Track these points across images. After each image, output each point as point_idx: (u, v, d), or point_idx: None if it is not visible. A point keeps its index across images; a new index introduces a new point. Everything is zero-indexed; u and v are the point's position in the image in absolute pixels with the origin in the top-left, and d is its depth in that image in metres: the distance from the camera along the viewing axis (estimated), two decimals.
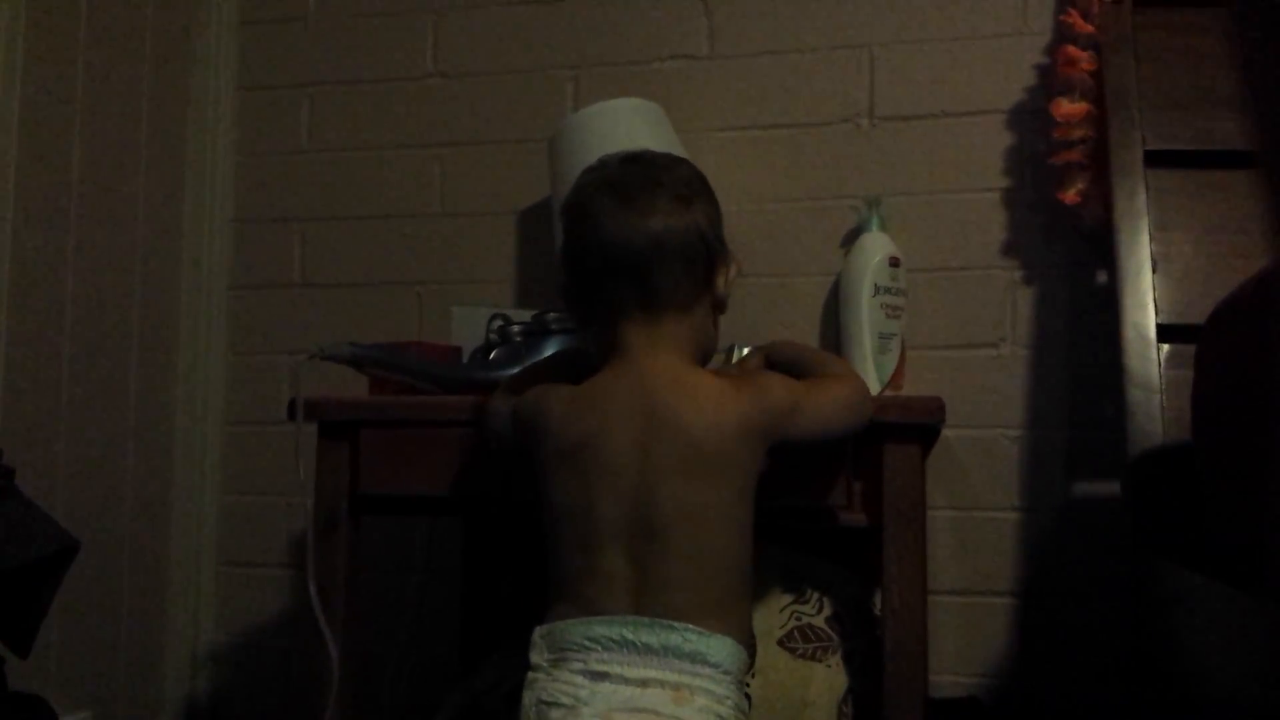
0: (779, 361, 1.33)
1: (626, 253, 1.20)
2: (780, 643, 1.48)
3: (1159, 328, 1.44)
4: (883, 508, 1.36)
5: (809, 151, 1.90)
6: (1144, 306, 1.45)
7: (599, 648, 1.12)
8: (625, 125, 1.75)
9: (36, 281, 1.76)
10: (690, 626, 1.11)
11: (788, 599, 1.50)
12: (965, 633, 1.78)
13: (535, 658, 1.15)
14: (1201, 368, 1.21)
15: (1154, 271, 1.47)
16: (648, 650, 1.11)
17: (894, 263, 1.73)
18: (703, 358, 1.27)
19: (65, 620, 1.76)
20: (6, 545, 1.27)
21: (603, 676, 1.10)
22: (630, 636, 1.11)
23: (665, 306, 1.21)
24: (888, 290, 1.72)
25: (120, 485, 1.93)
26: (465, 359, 1.70)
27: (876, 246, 1.73)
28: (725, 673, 1.13)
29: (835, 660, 1.47)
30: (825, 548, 1.59)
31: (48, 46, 1.78)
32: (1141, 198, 1.52)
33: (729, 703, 1.12)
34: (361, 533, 1.57)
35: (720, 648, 1.13)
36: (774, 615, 1.49)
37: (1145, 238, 1.49)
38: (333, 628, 1.43)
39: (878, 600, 1.42)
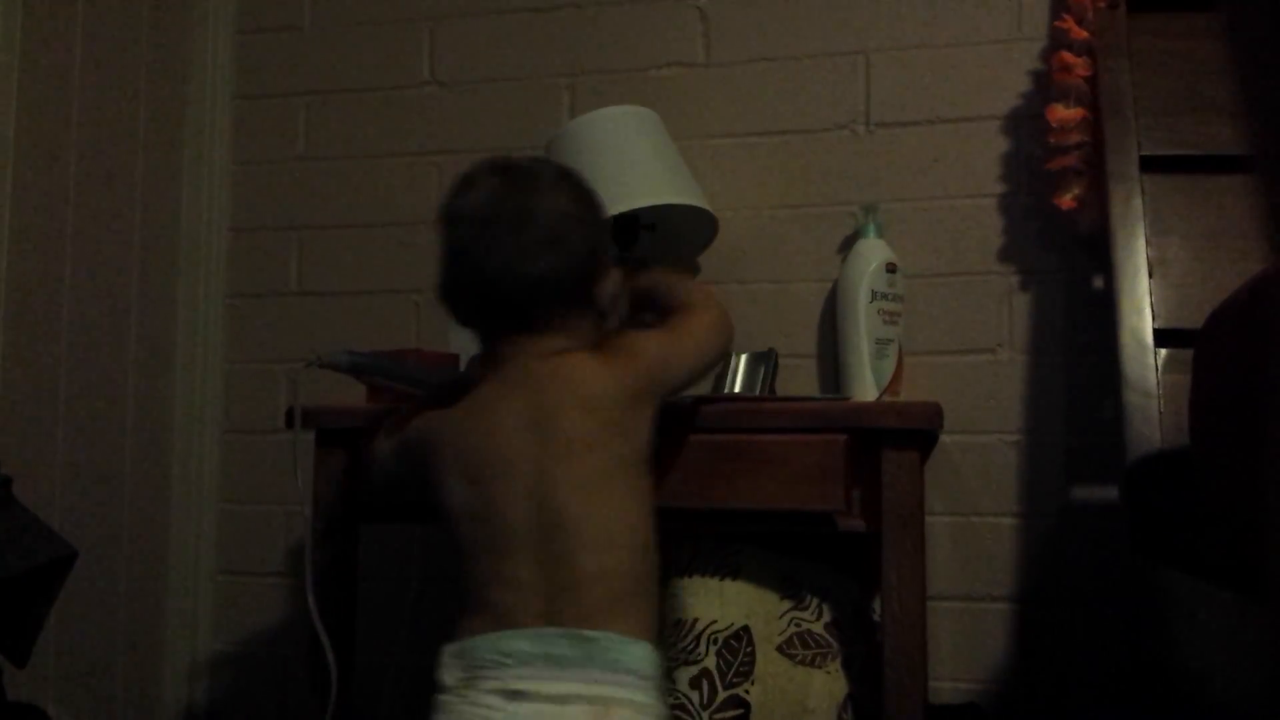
0: (641, 296, 1.36)
1: (502, 295, 1.22)
2: (779, 649, 1.48)
3: (1156, 332, 1.44)
4: (881, 513, 1.36)
5: (805, 158, 1.90)
6: (1141, 311, 1.45)
7: (514, 663, 1.09)
8: (621, 133, 1.75)
9: (34, 289, 1.76)
10: (607, 633, 1.10)
11: (787, 605, 1.50)
12: (964, 638, 1.78)
13: (446, 678, 1.13)
14: (1199, 372, 1.21)
15: (1150, 276, 1.47)
16: (565, 663, 1.09)
17: (891, 268, 1.73)
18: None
19: (63, 629, 1.75)
20: (4, 554, 1.27)
21: (520, 696, 1.08)
22: (546, 649, 1.09)
23: (544, 329, 1.23)
24: (885, 296, 1.72)
25: (118, 494, 1.93)
26: (463, 367, 1.70)
27: (873, 252, 1.74)
28: (644, 678, 1.11)
29: (834, 666, 1.47)
30: (824, 553, 1.59)
31: (43, 55, 1.78)
32: (1137, 202, 1.52)
33: (651, 711, 1.11)
34: (359, 541, 1.57)
35: (638, 653, 1.11)
36: (773, 621, 1.49)
37: (1141, 242, 1.49)
38: (330, 636, 1.43)
39: (877, 606, 1.42)
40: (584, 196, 1.28)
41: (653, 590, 1.18)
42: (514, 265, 1.20)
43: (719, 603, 1.49)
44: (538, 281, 1.21)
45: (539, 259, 1.21)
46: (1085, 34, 1.68)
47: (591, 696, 1.08)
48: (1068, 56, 1.69)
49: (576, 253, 1.23)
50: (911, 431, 1.40)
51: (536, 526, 1.14)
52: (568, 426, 1.17)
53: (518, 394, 1.20)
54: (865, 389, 1.69)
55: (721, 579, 1.50)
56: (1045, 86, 1.77)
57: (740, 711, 1.45)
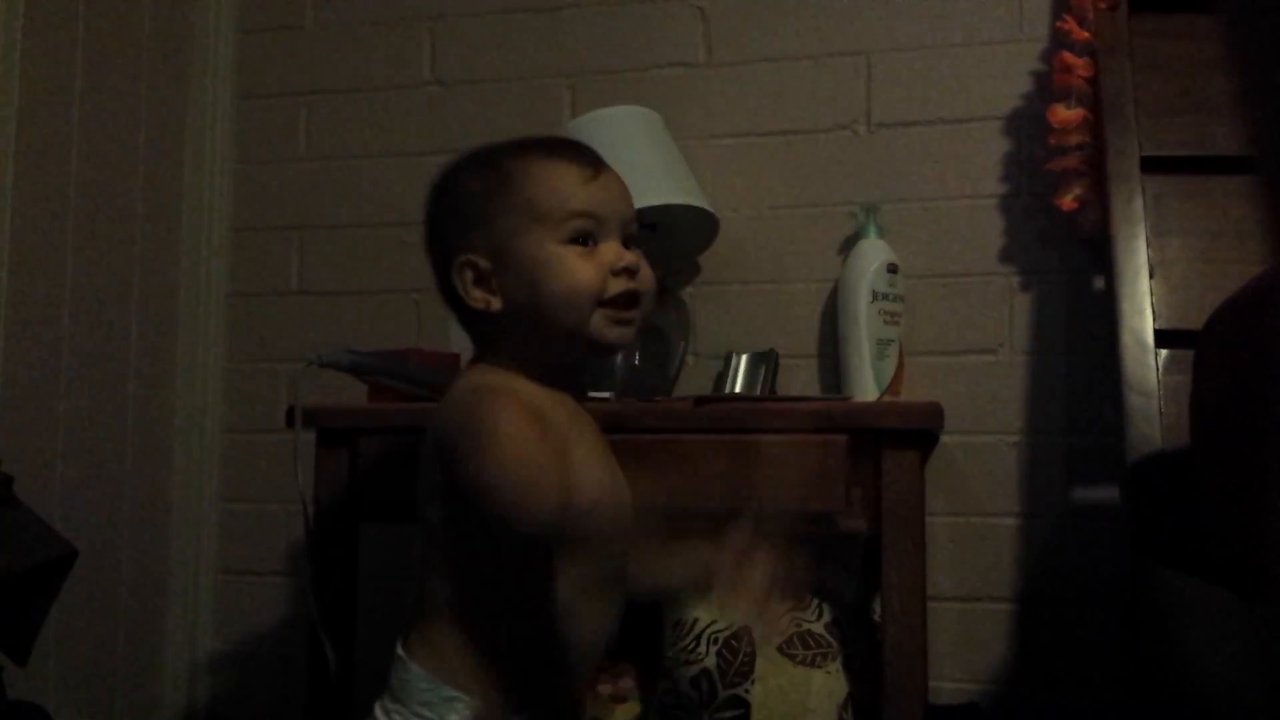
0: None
1: None
2: (780, 649, 1.48)
3: (1156, 333, 1.44)
4: (882, 513, 1.36)
5: (806, 158, 1.90)
6: (1141, 312, 1.45)
7: None
8: (622, 133, 1.75)
9: (34, 289, 1.76)
10: (400, 651, 1.12)
11: (787, 605, 1.50)
12: (965, 638, 1.78)
13: None
14: (1199, 373, 1.21)
15: (1151, 277, 1.47)
16: None
17: (892, 269, 1.73)
18: (535, 364, 1.14)
19: (64, 628, 1.75)
20: (5, 553, 1.27)
21: None
22: None
23: (465, 327, 1.20)
24: (886, 296, 1.72)
25: (119, 493, 1.93)
26: (463, 364, 1.70)
27: (874, 253, 1.74)
28: (395, 700, 1.10)
29: (835, 666, 1.48)
30: (825, 553, 1.60)
31: (45, 55, 1.78)
32: (1138, 203, 1.52)
33: None
34: (359, 540, 1.57)
35: (400, 671, 1.11)
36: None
37: (1142, 243, 1.49)
38: (331, 635, 1.43)
39: (877, 606, 1.42)
40: (437, 187, 1.22)
41: (446, 645, 1.11)
42: None
43: (719, 602, 1.49)
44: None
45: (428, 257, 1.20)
46: (1086, 35, 1.68)
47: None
48: (1069, 57, 1.69)
49: (435, 250, 1.19)
50: (912, 432, 1.40)
51: None
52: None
53: None
54: (866, 389, 1.69)
55: None
56: (1046, 87, 1.77)
57: (740, 711, 1.45)
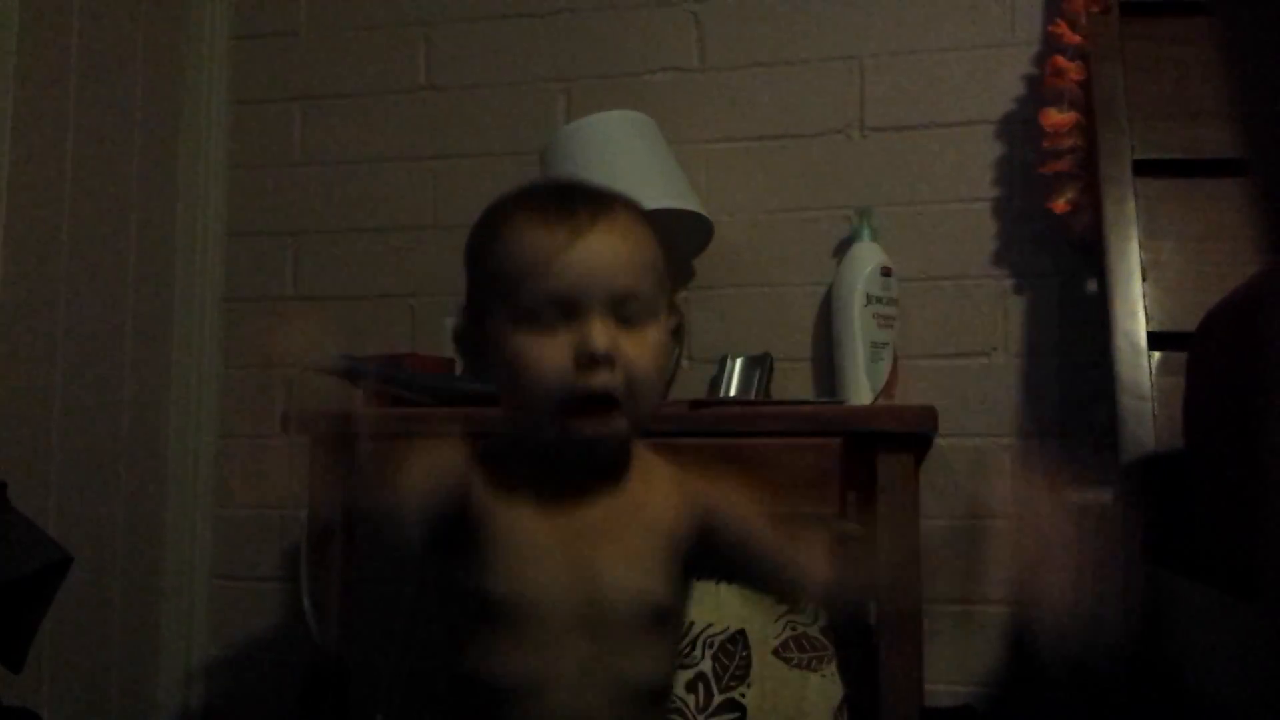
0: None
1: None
2: (776, 652, 1.48)
3: (1150, 335, 1.44)
4: (876, 516, 1.36)
5: (800, 162, 1.91)
6: (1135, 314, 1.45)
7: None
8: (617, 137, 1.75)
9: (29, 294, 1.76)
10: None
11: (783, 608, 1.50)
12: (960, 641, 1.78)
13: None
14: (1193, 375, 1.21)
15: (1144, 279, 1.48)
16: None
17: (886, 272, 1.74)
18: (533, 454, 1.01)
19: (58, 634, 1.75)
20: None
21: None
22: None
23: None
24: (879, 300, 1.72)
25: (114, 498, 1.93)
26: (459, 372, 1.70)
27: (868, 256, 1.74)
28: None
29: (830, 669, 1.48)
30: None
31: (40, 60, 1.78)
32: (1131, 206, 1.52)
33: None
34: (354, 545, 1.57)
35: None
36: (769, 625, 1.49)
37: (1135, 246, 1.50)
38: (326, 640, 1.43)
39: (872, 609, 1.43)
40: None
41: None
42: None
43: (715, 606, 1.49)
44: None
45: None
46: (1078, 39, 1.69)
47: None
48: (1061, 61, 1.70)
49: None
50: (906, 434, 1.40)
51: None
52: None
53: None
54: (860, 392, 1.70)
55: (717, 582, 1.50)
56: (1039, 91, 1.78)
57: (736, 715, 1.46)
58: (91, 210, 1.89)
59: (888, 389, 1.71)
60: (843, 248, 1.82)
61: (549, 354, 0.91)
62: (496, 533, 0.95)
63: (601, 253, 0.93)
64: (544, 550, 0.95)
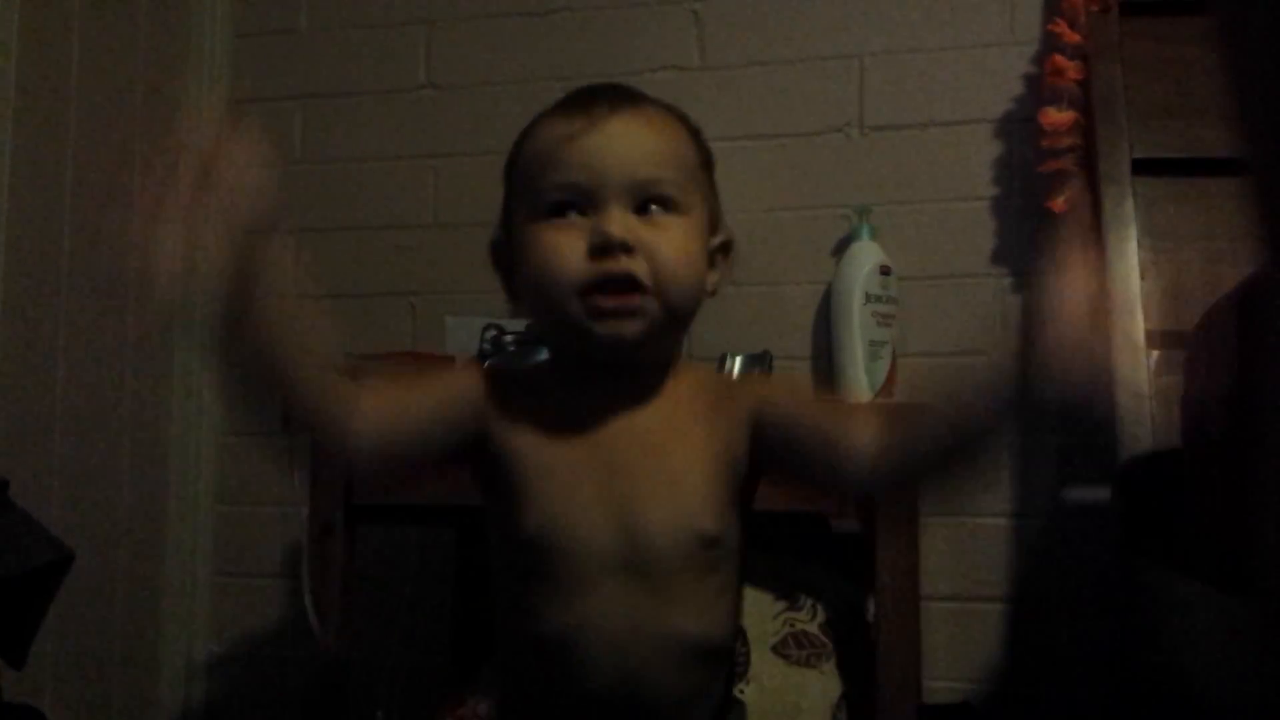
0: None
1: None
2: (774, 649, 1.48)
3: (1148, 334, 1.45)
4: (875, 514, 1.37)
5: (799, 161, 1.91)
6: (1133, 313, 1.46)
7: None
8: None
9: (31, 292, 1.76)
10: None
11: (781, 605, 1.51)
12: (958, 638, 1.79)
13: None
14: (1191, 373, 1.22)
15: (1142, 278, 1.48)
16: None
17: (885, 271, 1.74)
18: (564, 359, 0.99)
19: (60, 631, 1.75)
20: (1, 556, 1.28)
21: None
22: None
23: None
24: (879, 299, 1.73)
25: (115, 496, 1.93)
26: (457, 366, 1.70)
27: (867, 255, 1.75)
28: None
29: (829, 667, 1.48)
30: (818, 554, 1.60)
31: (41, 59, 1.78)
32: (1129, 205, 1.53)
33: None
34: (355, 542, 1.57)
35: None
36: (768, 622, 1.50)
37: (1133, 245, 1.50)
38: (327, 637, 1.44)
39: (871, 606, 1.43)
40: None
41: None
42: None
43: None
44: None
45: None
46: (1078, 38, 1.69)
47: None
48: (1060, 60, 1.70)
49: None
50: None
51: None
52: None
53: None
54: (859, 391, 1.70)
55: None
56: (1038, 90, 1.78)
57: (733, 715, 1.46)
58: (93, 209, 1.89)
59: (886, 387, 1.72)
60: (842, 246, 1.83)
61: (565, 243, 0.89)
62: (520, 466, 0.90)
63: (619, 140, 0.91)
64: (573, 482, 0.89)
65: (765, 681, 1.46)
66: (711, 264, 0.97)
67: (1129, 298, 1.47)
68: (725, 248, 0.99)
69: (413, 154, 2.06)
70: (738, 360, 1.77)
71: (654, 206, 0.90)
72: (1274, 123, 0.61)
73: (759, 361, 1.76)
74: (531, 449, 0.90)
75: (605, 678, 0.87)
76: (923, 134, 1.87)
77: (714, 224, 0.97)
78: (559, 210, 0.90)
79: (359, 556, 1.59)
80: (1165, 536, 1.30)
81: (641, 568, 0.87)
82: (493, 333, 1.66)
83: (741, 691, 1.45)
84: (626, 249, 0.87)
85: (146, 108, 2.02)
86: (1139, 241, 1.50)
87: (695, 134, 0.97)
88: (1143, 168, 1.56)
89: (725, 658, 0.95)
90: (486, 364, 0.94)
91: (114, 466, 1.93)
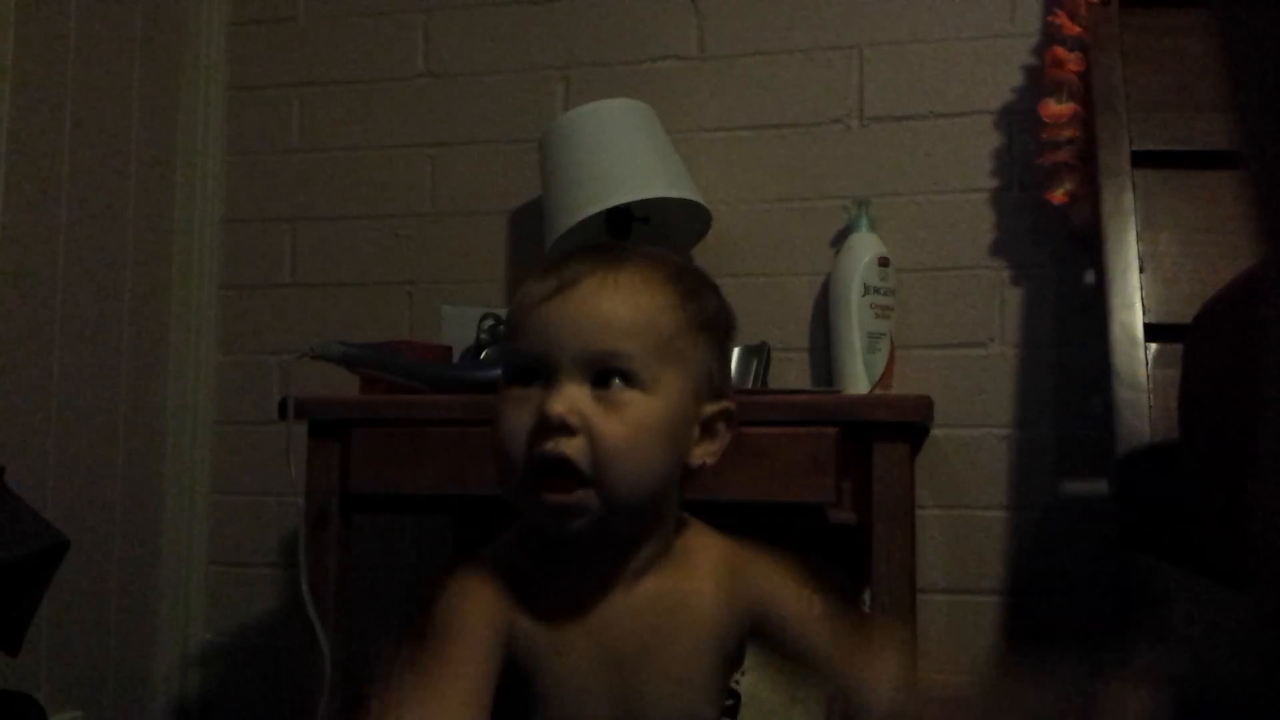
0: None
1: None
2: None
3: (1146, 327, 1.44)
4: (871, 505, 1.37)
5: (799, 152, 1.91)
6: (1131, 306, 1.45)
7: None
8: (616, 125, 1.75)
9: (27, 279, 1.76)
10: None
11: None
12: (954, 630, 1.79)
13: None
14: (1189, 366, 1.22)
15: (1141, 271, 1.48)
16: None
17: (883, 263, 1.74)
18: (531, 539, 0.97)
19: (55, 619, 1.75)
20: None
21: None
22: None
23: None
24: (877, 290, 1.73)
25: (111, 484, 1.93)
26: (455, 358, 1.70)
27: (866, 246, 1.74)
28: None
29: None
30: (814, 544, 1.60)
31: (36, 47, 1.78)
32: (1129, 198, 1.52)
33: None
34: (352, 531, 1.57)
35: None
36: None
37: (1132, 237, 1.50)
38: (324, 626, 1.44)
39: (867, 597, 1.43)
40: None
41: None
42: None
43: None
44: None
45: None
46: (1078, 29, 1.69)
47: None
48: (1060, 52, 1.70)
49: None
50: (902, 424, 1.40)
51: None
52: None
53: None
54: (857, 382, 1.70)
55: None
56: (1038, 81, 1.78)
57: (731, 701, 1.46)
58: (89, 196, 1.88)
59: (884, 379, 1.72)
60: (841, 238, 1.83)
61: (516, 416, 0.85)
62: (531, 670, 0.87)
63: (579, 307, 0.86)
64: (582, 687, 0.87)
65: (761, 671, 1.46)
66: (710, 434, 0.92)
67: (1127, 290, 1.46)
68: (726, 416, 0.93)
69: (410, 143, 2.06)
70: (735, 351, 1.77)
71: (616, 380, 0.85)
72: (1273, 115, 0.61)
73: (757, 353, 1.76)
74: (542, 654, 0.88)
75: None
76: (922, 125, 1.87)
77: (715, 390, 0.92)
78: (522, 378, 0.87)
79: (355, 545, 1.59)
80: (1162, 529, 1.30)
81: None
82: (489, 322, 1.66)
83: (737, 682, 1.45)
84: (565, 429, 0.83)
85: (143, 95, 2.02)
86: (1138, 234, 1.50)
87: (689, 296, 0.91)
88: (1142, 160, 1.56)
89: None
90: (489, 565, 0.91)
91: (110, 455, 1.93)
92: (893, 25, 1.89)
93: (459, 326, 1.73)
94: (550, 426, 0.83)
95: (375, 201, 2.07)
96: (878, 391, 1.70)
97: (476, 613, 0.87)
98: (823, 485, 1.37)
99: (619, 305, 0.86)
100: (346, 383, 1.68)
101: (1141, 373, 1.41)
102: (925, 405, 1.44)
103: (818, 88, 1.91)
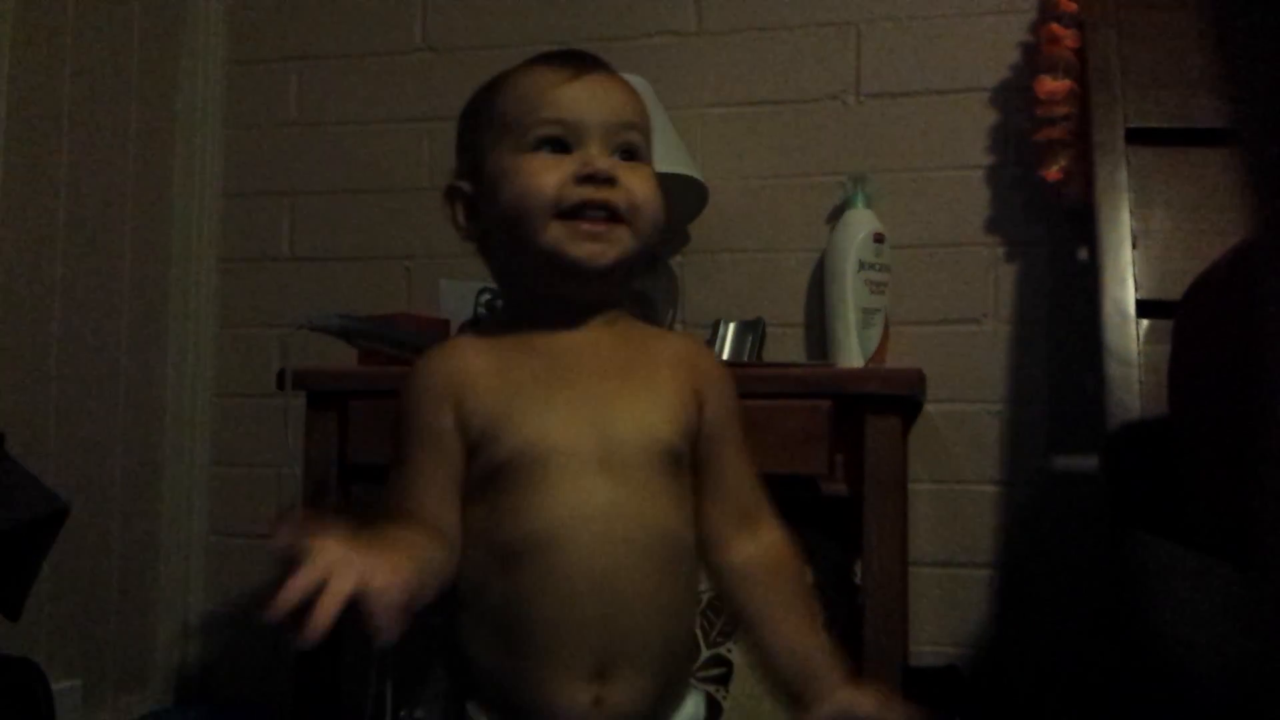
0: None
1: None
2: None
3: (1138, 303, 1.45)
4: (863, 478, 1.38)
5: (795, 128, 1.91)
6: (1124, 282, 1.46)
7: None
8: None
9: (27, 252, 1.76)
10: None
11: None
12: (945, 603, 1.81)
13: None
14: (1179, 342, 1.23)
15: (1134, 248, 1.49)
16: None
17: (878, 239, 1.75)
18: (521, 300, 1.05)
19: (56, 589, 1.77)
20: None
21: None
22: None
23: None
24: (872, 266, 1.73)
25: (111, 456, 1.94)
26: (453, 332, 1.71)
27: (861, 223, 1.75)
28: None
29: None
30: (807, 517, 1.61)
31: (36, 21, 1.78)
32: (1122, 175, 1.53)
33: None
34: (350, 501, 1.58)
35: None
36: None
37: (1126, 214, 1.51)
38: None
39: (858, 570, 1.44)
40: (469, 104, 1.13)
41: None
42: None
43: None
44: None
45: None
46: (1074, 6, 1.69)
47: None
48: (1056, 28, 1.70)
49: None
50: (894, 397, 1.42)
51: None
52: None
53: None
54: (851, 358, 1.71)
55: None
56: (1034, 58, 1.78)
57: (723, 670, 1.48)
58: (88, 170, 1.89)
59: (878, 354, 1.73)
60: (836, 214, 1.83)
61: (551, 170, 0.95)
62: (492, 405, 0.95)
63: (602, 89, 0.99)
64: (547, 400, 0.95)
65: None
66: None
67: (1120, 266, 1.47)
68: None
69: (409, 117, 2.06)
70: (731, 326, 1.78)
71: (629, 148, 0.98)
72: (1266, 93, 0.61)
73: (752, 328, 1.77)
74: (502, 392, 0.95)
75: (586, 576, 0.91)
76: (918, 102, 1.87)
77: None
78: (543, 146, 0.97)
79: (354, 515, 1.60)
80: (1153, 504, 1.31)
81: (617, 467, 0.93)
82: (487, 296, 1.66)
83: (730, 650, 1.47)
84: (611, 180, 0.95)
85: (142, 69, 2.02)
86: (1131, 211, 1.51)
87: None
88: (1136, 137, 1.56)
89: (693, 570, 0.99)
90: (451, 339, 0.98)
91: (110, 426, 1.94)
92: (889, 2, 1.89)
93: (457, 301, 1.74)
94: (599, 176, 0.95)
95: (373, 176, 2.08)
96: (871, 366, 1.71)
97: (434, 415, 0.97)
98: (815, 457, 1.38)
99: (629, 93, 1.01)
100: (344, 355, 1.69)
101: (1133, 348, 1.43)
102: (917, 378, 1.45)
103: (815, 64, 1.91)
